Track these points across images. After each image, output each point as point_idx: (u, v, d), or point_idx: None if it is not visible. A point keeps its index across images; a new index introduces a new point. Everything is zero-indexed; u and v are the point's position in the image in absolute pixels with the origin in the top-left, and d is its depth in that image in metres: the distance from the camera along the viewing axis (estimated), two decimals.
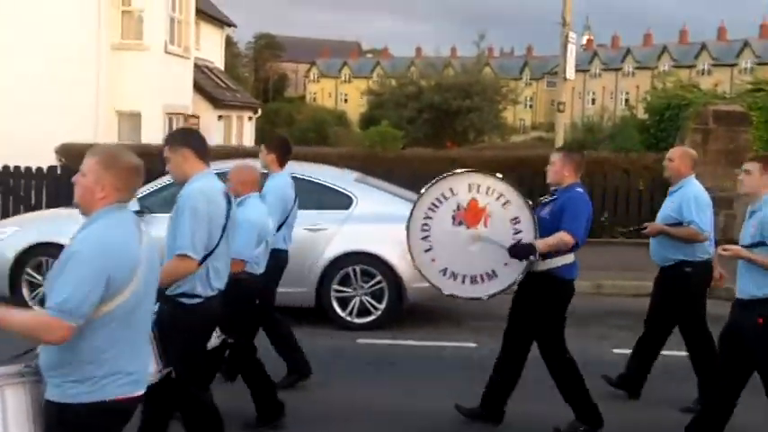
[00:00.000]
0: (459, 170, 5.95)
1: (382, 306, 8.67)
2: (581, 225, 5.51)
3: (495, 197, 5.66)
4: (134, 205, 5.57)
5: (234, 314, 5.11)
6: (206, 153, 4.67)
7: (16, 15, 18.55)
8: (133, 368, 3.31)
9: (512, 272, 5.67)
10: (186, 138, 4.71)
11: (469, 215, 5.66)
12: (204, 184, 4.53)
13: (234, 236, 4.75)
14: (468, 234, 5.67)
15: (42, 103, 18.15)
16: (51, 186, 14.27)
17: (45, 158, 15.10)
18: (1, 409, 3.21)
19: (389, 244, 8.37)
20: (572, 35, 16.59)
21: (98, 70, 19.28)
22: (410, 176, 11.79)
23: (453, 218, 5.68)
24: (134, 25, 20.43)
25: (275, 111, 44.85)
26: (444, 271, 5.79)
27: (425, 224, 5.76)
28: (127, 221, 3.33)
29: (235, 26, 32.16)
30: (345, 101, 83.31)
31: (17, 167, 14.74)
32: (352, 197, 8.97)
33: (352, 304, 8.68)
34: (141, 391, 3.37)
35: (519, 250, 5.54)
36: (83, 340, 3.16)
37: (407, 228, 5.76)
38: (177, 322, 4.40)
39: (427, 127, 31.01)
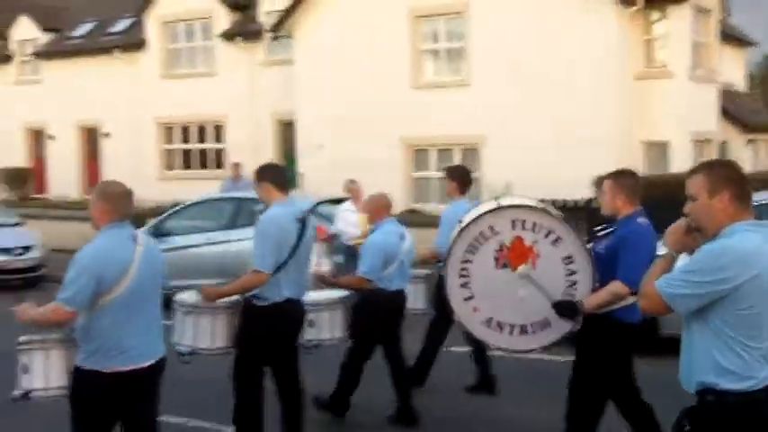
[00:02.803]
0: (499, 204, 5.14)
1: None
2: (639, 269, 4.15)
3: (544, 234, 4.90)
4: None
5: (358, 321, 6.46)
6: (284, 183, 5.69)
7: (542, 50, 19.19)
8: (130, 346, 4.40)
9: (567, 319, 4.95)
10: (266, 172, 5.73)
11: (514, 255, 4.92)
12: (277, 212, 5.57)
13: (308, 255, 5.73)
14: (513, 276, 4.93)
15: (574, 137, 18.49)
16: (588, 217, 14.36)
17: (581, 192, 15.31)
18: (46, 365, 4.63)
19: None
20: None
21: (623, 100, 19.14)
22: None
23: (496, 259, 4.96)
24: (657, 53, 20.00)
25: None
26: (489, 321, 5.08)
27: (464, 269, 5.04)
28: (121, 238, 4.45)
29: (756, 44, 30.15)
30: None
31: (555, 201, 15.11)
32: None
33: None
34: (136, 366, 4.44)
35: (563, 309, 4.86)
36: (91, 322, 4.37)
37: (443, 275, 5.16)
38: (247, 319, 5.58)
39: None
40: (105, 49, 26.73)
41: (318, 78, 21.50)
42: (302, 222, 5.59)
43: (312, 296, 6.16)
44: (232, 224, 11.86)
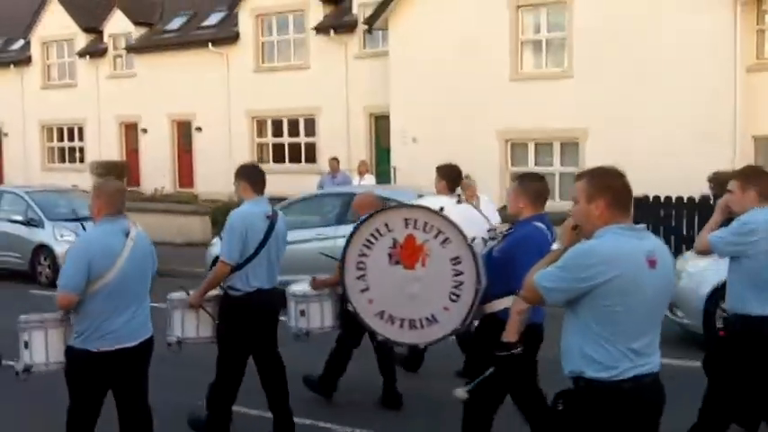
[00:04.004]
0: (394, 204, 5.62)
1: None
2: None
3: (434, 234, 5.08)
4: None
5: (345, 311, 6.38)
6: (259, 184, 6.19)
7: (648, 41, 18.44)
8: (117, 329, 4.95)
9: (454, 317, 5.10)
10: (245, 172, 6.28)
11: (406, 253, 5.15)
12: (246, 209, 6.14)
13: (279, 249, 6.28)
14: (405, 273, 5.17)
15: (683, 132, 17.76)
16: (703, 216, 13.74)
17: (690, 188, 14.64)
18: (45, 342, 5.17)
19: None
20: None
21: (734, 93, 18.27)
22: None
23: (390, 256, 5.21)
24: None
25: None
26: (381, 314, 5.34)
27: (361, 262, 5.36)
28: (114, 230, 5.01)
29: None
30: None
31: (668, 197, 14.51)
32: None
33: None
34: (122, 345, 4.99)
35: (504, 352, 4.87)
36: (82, 306, 4.91)
37: (342, 267, 5.48)
38: (224, 308, 6.17)
39: None
40: (198, 43, 26.81)
41: (413, 71, 21.13)
42: (271, 220, 6.15)
43: (303, 288, 6.86)
44: (340, 220, 11.54)
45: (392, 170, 21.88)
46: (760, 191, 5.22)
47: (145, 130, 28.68)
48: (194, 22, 28.02)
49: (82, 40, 30.30)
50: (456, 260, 5.06)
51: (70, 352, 5.06)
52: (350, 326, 6.85)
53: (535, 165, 20.49)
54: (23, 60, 31.83)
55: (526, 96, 19.81)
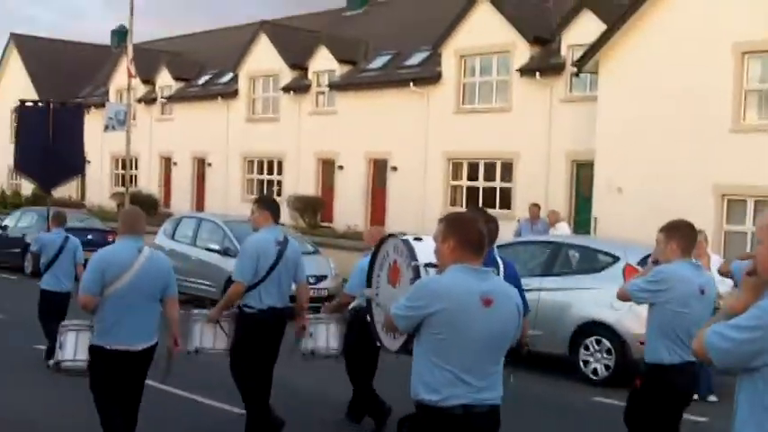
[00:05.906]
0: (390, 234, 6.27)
1: None
2: None
3: (404, 257, 5.75)
4: None
5: (346, 338, 7.68)
6: (276, 215, 7.17)
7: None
8: (124, 331, 5.86)
9: None
10: (268, 203, 7.34)
11: (393, 274, 5.80)
12: (261, 236, 7.03)
13: (289, 271, 7.08)
14: (394, 291, 5.70)
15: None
16: None
17: None
18: (74, 343, 6.22)
19: None
20: None
21: None
22: None
23: (388, 276, 5.91)
24: None
25: None
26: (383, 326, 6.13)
27: (378, 283, 6.04)
28: (128, 247, 5.97)
29: None
30: None
31: None
32: None
33: None
34: (129, 347, 5.91)
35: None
36: (100, 308, 5.89)
37: (368, 283, 6.04)
38: (239, 323, 7.03)
39: None
40: (399, 82, 26.75)
41: (623, 117, 19.96)
42: (281, 245, 6.93)
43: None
44: (546, 270, 10.65)
45: (593, 220, 20.72)
46: (680, 244, 5.56)
47: (341, 167, 28.86)
48: (397, 61, 28.02)
49: (287, 75, 30.97)
50: (413, 281, 5.87)
51: (90, 348, 5.99)
52: (349, 353, 7.64)
53: (754, 224, 18.75)
54: (230, 93, 32.99)
55: (748, 150, 18.20)
